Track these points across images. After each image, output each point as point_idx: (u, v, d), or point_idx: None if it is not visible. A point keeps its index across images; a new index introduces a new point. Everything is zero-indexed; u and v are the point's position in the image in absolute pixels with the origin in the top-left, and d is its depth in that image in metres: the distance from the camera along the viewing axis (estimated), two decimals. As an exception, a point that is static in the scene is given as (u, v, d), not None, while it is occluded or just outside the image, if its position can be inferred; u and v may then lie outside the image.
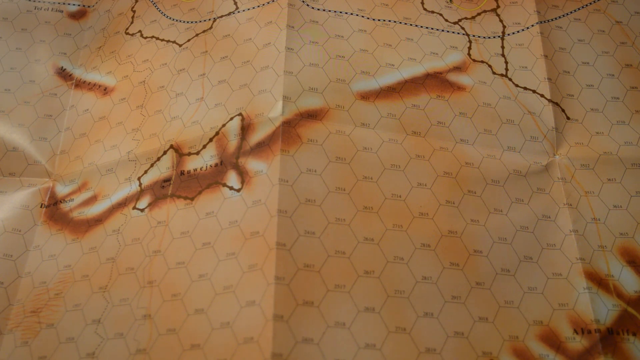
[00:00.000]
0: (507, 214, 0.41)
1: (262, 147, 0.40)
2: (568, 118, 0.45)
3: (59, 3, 0.55)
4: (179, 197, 0.41)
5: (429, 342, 0.36)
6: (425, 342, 0.35)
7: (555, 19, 0.49)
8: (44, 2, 0.54)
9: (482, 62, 0.47)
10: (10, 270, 0.42)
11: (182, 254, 0.38)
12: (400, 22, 0.48)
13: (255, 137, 0.41)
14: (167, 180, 0.42)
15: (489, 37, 0.48)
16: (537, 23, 0.48)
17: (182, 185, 0.41)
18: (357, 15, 0.47)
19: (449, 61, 0.46)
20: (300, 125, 0.41)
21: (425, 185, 0.41)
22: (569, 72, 0.47)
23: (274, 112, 0.41)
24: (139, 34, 0.51)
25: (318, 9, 0.47)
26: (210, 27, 0.48)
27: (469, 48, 0.47)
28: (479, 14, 0.49)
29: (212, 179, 0.41)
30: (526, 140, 0.44)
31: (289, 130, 0.40)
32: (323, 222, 0.38)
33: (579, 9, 0.50)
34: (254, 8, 0.48)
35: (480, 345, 0.36)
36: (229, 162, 0.41)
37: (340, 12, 0.47)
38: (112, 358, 0.36)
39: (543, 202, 0.42)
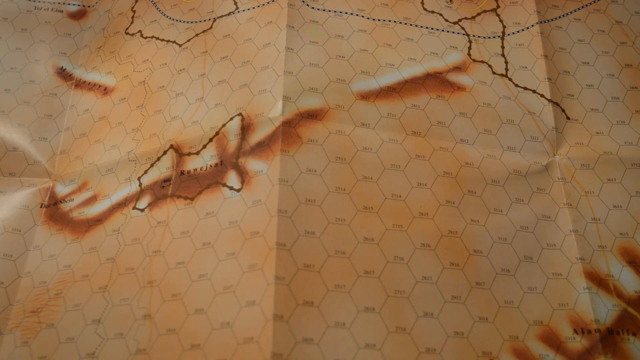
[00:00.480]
0: (507, 214, 0.41)
1: (262, 147, 0.40)
2: (568, 118, 0.45)
3: (59, 3, 0.55)
4: (179, 197, 0.41)
5: (429, 342, 0.36)
6: (425, 342, 0.35)
7: (555, 19, 0.49)
8: (44, 2, 0.54)
9: (482, 62, 0.47)
10: (10, 270, 0.42)
11: (182, 254, 0.38)
12: (400, 22, 0.48)
13: (255, 137, 0.41)
14: (167, 180, 0.42)
15: (489, 37, 0.48)
16: (537, 23, 0.48)
17: (182, 185, 0.41)
18: (357, 15, 0.47)
19: (449, 61, 0.46)
20: (300, 125, 0.41)
21: (425, 185, 0.41)
22: (569, 72, 0.47)
23: (274, 112, 0.41)
24: (139, 34, 0.51)
25: (318, 9, 0.47)
26: (210, 27, 0.48)
27: (469, 48, 0.47)
28: (479, 14, 0.49)
29: (212, 179, 0.41)
30: (526, 140, 0.44)
31: (289, 130, 0.40)
32: (323, 222, 0.38)
33: (579, 9, 0.50)
34: (254, 8, 0.48)
35: (480, 345, 0.36)
36: (229, 162, 0.41)
37: (340, 12, 0.47)
38: (112, 358, 0.36)
39: (543, 202, 0.42)
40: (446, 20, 0.48)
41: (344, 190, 0.39)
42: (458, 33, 0.48)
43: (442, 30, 0.48)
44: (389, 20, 0.48)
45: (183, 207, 0.40)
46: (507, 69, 0.46)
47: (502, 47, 0.47)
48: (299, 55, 0.44)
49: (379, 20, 0.47)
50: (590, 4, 0.50)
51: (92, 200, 0.44)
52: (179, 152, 0.43)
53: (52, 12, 0.54)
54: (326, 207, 0.38)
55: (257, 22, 0.47)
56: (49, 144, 0.48)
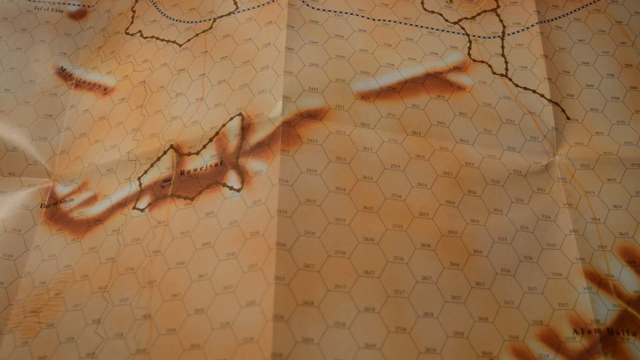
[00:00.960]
0: (507, 214, 0.41)
1: (262, 147, 0.40)
2: (568, 118, 0.45)
3: (59, 3, 0.55)
4: (179, 197, 0.41)
5: (429, 342, 0.36)
6: (425, 342, 0.35)
7: (555, 19, 0.49)
8: (44, 2, 0.54)
9: (482, 62, 0.47)
10: (10, 270, 0.42)
11: (182, 254, 0.38)
12: (400, 22, 0.48)
13: (255, 137, 0.41)
14: (167, 180, 0.42)
15: (489, 37, 0.48)
16: (537, 23, 0.48)
17: (182, 185, 0.41)
18: (357, 15, 0.47)
19: (449, 61, 0.46)
20: (300, 125, 0.41)
21: (425, 185, 0.41)
22: (569, 72, 0.47)
23: (274, 112, 0.41)
24: (139, 34, 0.51)
25: (318, 9, 0.47)
26: (210, 27, 0.48)
27: (469, 48, 0.47)
28: (479, 14, 0.49)
29: (212, 179, 0.41)
30: (526, 140, 0.44)
31: (289, 130, 0.40)
32: (323, 222, 0.38)
33: (579, 9, 0.50)
34: (254, 8, 0.48)
35: (480, 345, 0.36)
36: (229, 162, 0.41)
37: (340, 12, 0.47)
38: (112, 358, 0.36)
39: (543, 202, 0.42)
40: (446, 20, 0.48)
41: (344, 190, 0.39)
42: (458, 33, 0.48)
43: (442, 30, 0.48)
44: (389, 20, 0.48)
45: (183, 207, 0.40)
46: (507, 69, 0.46)
47: (502, 47, 0.47)
48: (299, 55, 0.44)
49: (379, 20, 0.47)
50: (590, 4, 0.50)
51: (92, 200, 0.44)
52: (179, 152, 0.43)
53: (52, 12, 0.54)
54: (326, 207, 0.38)
55: (257, 22, 0.47)
56: (49, 144, 0.48)
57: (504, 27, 0.48)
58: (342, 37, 0.46)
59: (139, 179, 0.43)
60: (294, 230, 0.37)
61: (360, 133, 0.42)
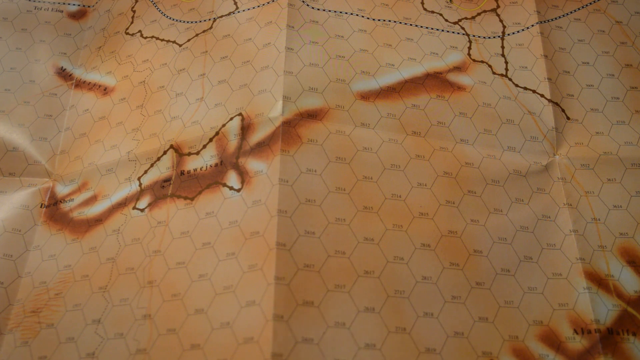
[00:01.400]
0: (507, 214, 0.41)
1: (262, 147, 0.40)
2: (568, 118, 0.45)
3: (59, 3, 0.55)
4: (179, 197, 0.41)
5: (429, 342, 0.36)
6: (425, 342, 0.35)
7: (555, 19, 0.49)
8: (44, 2, 0.54)
9: (482, 62, 0.47)
10: (10, 270, 0.42)
11: (182, 254, 0.38)
12: (400, 22, 0.48)
13: (255, 137, 0.41)
14: (167, 180, 0.42)
15: (489, 37, 0.48)
16: (537, 23, 0.48)
17: (182, 185, 0.41)
18: (357, 15, 0.47)
19: (449, 61, 0.46)
20: (300, 125, 0.41)
21: (425, 185, 0.41)
22: (569, 72, 0.47)
23: (274, 112, 0.41)
24: (139, 34, 0.51)
25: (318, 9, 0.47)
26: (210, 27, 0.48)
27: (469, 48, 0.47)
28: (479, 14, 0.49)
29: (212, 179, 0.41)
30: (526, 140, 0.44)
31: (289, 130, 0.40)
32: (323, 222, 0.38)
33: (579, 9, 0.50)
34: (254, 8, 0.48)
35: (480, 345, 0.36)
36: (229, 162, 0.41)
37: (340, 12, 0.47)
38: (112, 358, 0.36)
39: (543, 202, 0.42)
40: (446, 20, 0.48)
41: (344, 190, 0.39)
42: (458, 33, 0.48)
43: (442, 30, 0.48)
44: (389, 20, 0.48)
45: (183, 207, 0.40)
46: (507, 69, 0.46)
47: (502, 47, 0.47)
48: (299, 55, 0.44)
49: (379, 20, 0.47)
50: (590, 4, 0.50)
51: (92, 200, 0.44)
52: (179, 152, 0.43)
53: (52, 12, 0.54)
54: (326, 207, 0.38)
55: (257, 22, 0.47)
56: (49, 144, 0.48)
57: (504, 27, 0.48)
58: (342, 37, 0.46)
59: (139, 179, 0.43)
60: (294, 230, 0.37)
61: (360, 133, 0.42)
